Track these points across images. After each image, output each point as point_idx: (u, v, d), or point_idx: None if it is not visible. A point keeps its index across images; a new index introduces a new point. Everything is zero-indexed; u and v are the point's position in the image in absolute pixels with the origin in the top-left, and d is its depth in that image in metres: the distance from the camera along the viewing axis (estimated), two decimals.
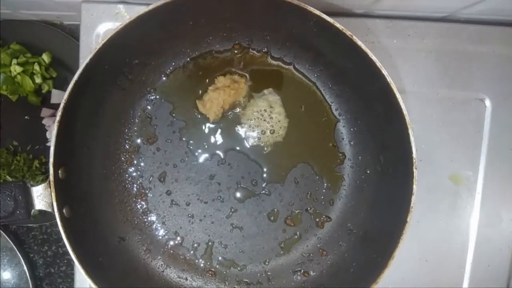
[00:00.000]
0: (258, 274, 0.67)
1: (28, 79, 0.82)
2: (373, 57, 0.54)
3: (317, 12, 0.53)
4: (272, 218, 0.68)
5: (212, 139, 0.68)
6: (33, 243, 0.90)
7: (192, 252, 0.68)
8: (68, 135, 0.56)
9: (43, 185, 0.54)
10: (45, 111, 0.86)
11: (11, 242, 0.85)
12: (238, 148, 0.67)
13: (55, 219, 0.53)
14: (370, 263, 0.58)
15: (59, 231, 0.53)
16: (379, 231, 0.62)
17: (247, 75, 0.67)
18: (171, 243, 0.68)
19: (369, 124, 0.64)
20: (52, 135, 0.53)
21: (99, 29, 0.67)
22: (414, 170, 0.54)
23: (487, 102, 0.70)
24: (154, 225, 0.67)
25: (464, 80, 0.70)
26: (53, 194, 0.53)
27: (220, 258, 0.68)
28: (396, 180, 0.60)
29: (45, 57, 0.84)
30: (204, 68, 0.67)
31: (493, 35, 0.69)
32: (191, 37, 0.64)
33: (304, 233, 0.68)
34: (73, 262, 0.53)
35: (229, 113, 0.67)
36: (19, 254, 0.86)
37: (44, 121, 0.86)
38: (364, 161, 0.66)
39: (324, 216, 0.68)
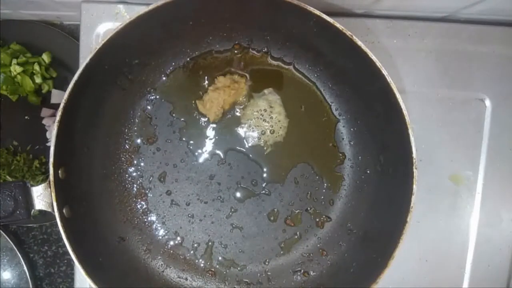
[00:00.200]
0: (258, 274, 0.67)
1: (28, 79, 0.82)
2: (373, 57, 0.54)
3: (317, 12, 0.53)
4: (272, 218, 0.68)
5: (212, 139, 0.68)
6: (33, 243, 0.90)
7: (192, 252, 0.68)
8: (68, 135, 0.56)
9: (43, 185, 0.54)
10: (45, 111, 0.86)
11: (11, 242, 0.85)
12: (238, 148, 0.67)
13: (55, 219, 0.53)
14: (370, 263, 0.58)
15: (59, 231, 0.53)
16: (379, 231, 0.62)
17: (247, 75, 0.67)
18: (171, 243, 0.68)
19: (369, 124, 0.64)
20: (52, 135, 0.53)
21: (99, 29, 0.67)
22: (414, 170, 0.54)
23: (487, 102, 0.70)
24: (154, 225, 0.67)
25: (464, 80, 0.70)
26: (53, 194, 0.53)
27: (220, 258, 0.68)
28: (396, 180, 0.60)
29: (45, 57, 0.84)
30: (204, 68, 0.67)
31: (493, 35, 0.69)
32: (191, 37, 0.64)
33: (304, 233, 0.68)
34: (73, 262, 0.53)
35: (229, 113, 0.67)
36: (19, 254, 0.86)
37: (44, 121, 0.86)
38: (364, 161, 0.66)
39: (324, 216, 0.68)
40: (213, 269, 0.67)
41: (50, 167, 0.53)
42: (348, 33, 0.53)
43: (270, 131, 0.67)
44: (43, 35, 0.84)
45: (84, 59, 0.53)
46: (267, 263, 0.68)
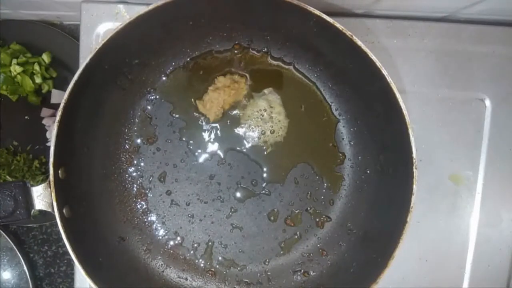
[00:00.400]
0: (258, 274, 0.67)
1: (28, 79, 0.82)
2: (373, 57, 0.54)
3: (317, 12, 0.53)
4: (272, 218, 0.68)
5: (212, 139, 0.68)
6: (33, 243, 0.90)
7: (192, 252, 0.68)
8: (68, 135, 0.56)
9: (43, 185, 0.54)
10: (45, 111, 0.86)
11: (11, 242, 0.85)
12: (238, 148, 0.67)
13: (55, 219, 0.53)
14: (370, 263, 0.58)
15: (59, 231, 0.53)
16: (379, 231, 0.62)
17: (247, 75, 0.67)
18: (171, 243, 0.68)
19: (369, 124, 0.64)
20: (52, 135, 0.53)
21: (99, 29, 0.67)
22: (414, 170, 0.54)
23: (487, 102, 0.70)
24: (154, 225, 0.67)
25: (464, 80, 0.70)
26: (53, 194, 0.53)
27: (220, 258, 0.68)
28: (396, 180, 0.60)
29: (45, 57, 0.84)
30: (204, 68, 0.67)
31: (493, 35, 0.69)
32: (191, 37, 0.64)
33: (304, 233, 0.68)
34: (73, 262, 0.53)
35: (229, 113, 0.67)
36: (19, 254, 0.86)
37: (44, 121, 0.86)
38: (364, 161, 0.66)
39: (324, 216, 0.68)
40: (213, 269, 0.67)
41: (50, 167, 0.53)
42: (348, 33, 0.53)
43: (270, 131, 0.67)
44: (43, 35, 0.84)
45: (84, 59, 0.53)
46: (267, 263, 0.68)
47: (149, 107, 0.67)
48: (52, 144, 0.53)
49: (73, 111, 0.55)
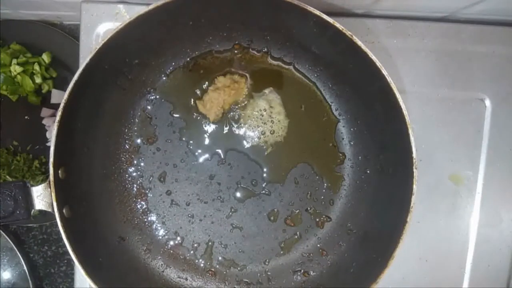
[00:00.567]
0: (258, 274, 0.67)
1: (28, 79, 0.82)
2: (373, 57, 0.54)
3: (317, 12, 0.53)
4: (272, 218, 0.68)
5: (212, 139, 0.68)
6: (33, 243, 0.90)
7: (192, 252, 0.68)
8: (68, 135, 0.56)
9: (43, 185, 0.54)
10: (45, 111, 0.86)
11: (11, 242, 0.85)
12: (238, 148, 0.67)
13: (55, 219, 0.53)
14: (370, 263, 0.58)
15: (59, 231, 0.53)
16: (379, 231, 0.62)
17: (247, 75, 0.67)
18: (171, 243, 0.68)
19: (369, 124, 0.64)
20: (52, 135, 0.53)
21: (99, 29, 0.67)
22: (414, 170, 0.54)
23: (487, 102, 0.70)
24: (154, 225, 0.67)
25: (464, 80, 0.70)
26: (53, 194, 0.53)
27: (220, 258, 0.68)
28: (396, 180, 0.60)
29: (45, 57, 0.84)
30: (204, 68, 0.67)
31: (493, 35, 0.69)
32: (191, 37, 0.64)
33: (304, 233, 0.68)
34: (73, 262, 0.53)
35: (229, 113, 0.67)
36: (19, 254, 0.86)
37: (44, 121, 0.86)
38: (364, 161, 0.66)
39: (324, 216, 0.68)
40: (213, 269, 0.67)
41: (50, 167, 0.53)
42: (348, 33, 0.53)
43: (270, 131, 0.67)
44: (43, 35, 0.84)
45: (84, 59, 0.53)
46: (267, 263, 0.68)
47: (149, 107, 0.67)
48: (52, 144, 0.53)
49: (73, 111, 0.55)
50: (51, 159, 0.53)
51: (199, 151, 0.67)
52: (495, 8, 0.65)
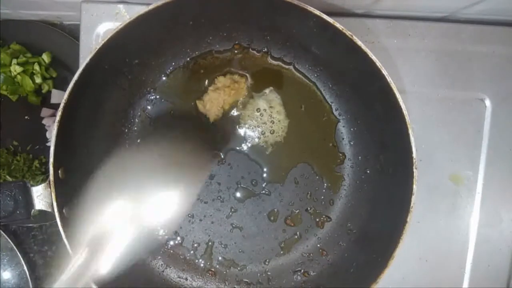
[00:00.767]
0: (258, 274, 0.67)
1: (28, 79, 0.82)
2: (373, 57, 0.54)
3: (317, 12, 0.53)
4: (272, 218, 0.68)
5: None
6: (33, 243, 0.90)
7: (192, 252, 0.68)
8: (68, 135, 0.56)
9: (43, 185, 0.54)
10: (45, 111, 0.86)
11: (11, 242, 0.85)
12: (238, 148, 0.67)
13: (55, 219, 0.53)
14: (370, 263, 0.58)
15: (59, 231, 0.53)
16: (379, 231, 0.62)
17: (247, 75, 0.67)
18: (171, 243, 0.68)
19: (369, 124, 0.64)
20: (52, 135, 0.53)
21: (99, 29, 0.67)
22: (414, 170, 0.54)
23: (487, 102, 0.70)
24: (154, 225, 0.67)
25: (464, 80, 0.70)
26: (53, 194, 0.53)
27: (220, 258, 0.68)
28: (396, 180, 0.60)
29: (45, 57, 0.84)
30: (204, 68, 0.67)
31: (493, 35, 0.69)
32: (191, 37, 0.64)
33: (304, 233, 0.68)
34: None
35: (229, 113, 0.67)
36: (19, 254, 0.86)
37: (44, 121, 0.86)
38: (364, 161, 0.66)
39: (324, 216, 0.68)
40: (213, 269, 0.67)
41: (50, 167, 0.53)
42: (348, 33, 0.53)
43: (270, 131, 0.67)
44: (43, 35, 0.84)
45: (84, 59, 0.53)
46: (267, 263, 0.68)
47: (149, 107, 0.67)
48: (52, 144, 0.53)
49: (73, 111, 0.55)
50: (51, 159, 0.53)
51: None
52: (495, 8, 0.65)
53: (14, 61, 0.81)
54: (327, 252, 0.67)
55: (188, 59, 0.66)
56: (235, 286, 0.67)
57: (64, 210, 0.55)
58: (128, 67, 0.63)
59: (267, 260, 0.68)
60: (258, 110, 0.67)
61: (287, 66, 0.67)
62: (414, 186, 0.54)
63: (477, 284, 0.71)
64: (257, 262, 0.68)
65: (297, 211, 0.68)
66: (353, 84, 0.63)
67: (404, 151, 0.55)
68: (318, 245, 0.67)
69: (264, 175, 0.68)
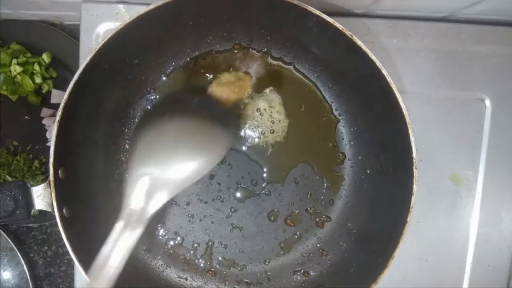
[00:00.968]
0: (258, 274, 0.67)
1: (28, 79, 0.82)
2: (373, 57, 0.54)
3: (317, 12, 0.53)
4: (272, 218, 0.68)
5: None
6: (33, 243, 0.90)
7: (192, 252, 0.68)
8: (68, 135, 0.56)
9: (43, 185, 0.54)
10: (45, 111, 0.86)
11: (11, 242, 0.85)
12: (238, 148, 0.67)
13: (55, 219, 0.53)
14: (370, 263, 0.58)
15: (59, 231, 0.53)
16: (379, 231, 0.62)
17: (252, 74, 0.67)
18: (171, 243, 0.68)
19: (369, 124, 0.64)
20: (52, 135, 0.53)
21: (99, 29, 0.67)
22: (414, 170, 0.54)
23: (487, 102, 0.70)
24: (154, 225, 0.67)
25: (464, 80, 0.70)
26: (53, 194, 0.53)
27: (220, 258, 0.68)
28: (396, 180, 0.60)
29: (45, 57, 0.84)
30: (204, 68, 0.67)
31: (493, 35, 0.69)
32: (191, 37, 0.64)
33: (304, 233, 0.68)
34: (73, 262, 0.53)
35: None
36: (19, 254, 0.86)
37: (44, 121, 0.86)
38: (364, 161, 0.66)
39: (324, 216, 0.68)
40: (213, 269, 0.67)
41: (50, 167, 0.53)
42: (348, 33, 0.53)
43: (270, 131, 0.67)
44: (43, 35, 0.84)
45: (84, 59, 0.53)
46: (267, 263, 0.68)
47: (149, 107, 0.67)
48: (52, 144, 0.53)
49: (73, 111, 0.55)
50: (51, 159, 0.53)
51: None
52: (495, 8, 0.65)
53: (14, 61, 0.81)
54: (327, 252, 0.67)
55: (188, 59, 0.66)
56: (235, 286, 0.67)
57: (64, 210, 0.55)
58: (128, 67, 0.62)
59: (267, 260, 0.68)
60: (258, 110, 0.67)
61: (287, 66, 0.67)
62: (414, 186, 0.54)
63: (477, 284, 0.71)
64: (257, 262, 0.68)
65: (297, 211, 0.68)
66: (353, 84, 0.63)
67: (404, 151, 0.55)
68: (318, 245, 0.67)
69: (264, 175, 0.68)
